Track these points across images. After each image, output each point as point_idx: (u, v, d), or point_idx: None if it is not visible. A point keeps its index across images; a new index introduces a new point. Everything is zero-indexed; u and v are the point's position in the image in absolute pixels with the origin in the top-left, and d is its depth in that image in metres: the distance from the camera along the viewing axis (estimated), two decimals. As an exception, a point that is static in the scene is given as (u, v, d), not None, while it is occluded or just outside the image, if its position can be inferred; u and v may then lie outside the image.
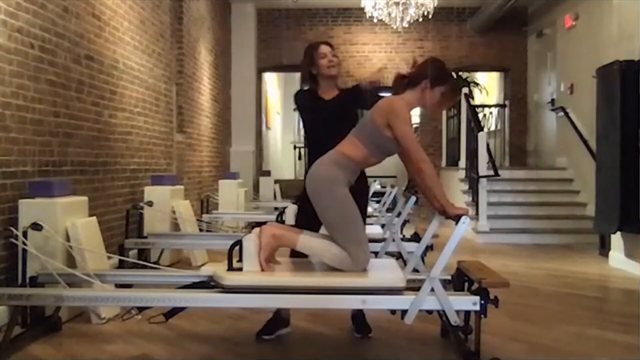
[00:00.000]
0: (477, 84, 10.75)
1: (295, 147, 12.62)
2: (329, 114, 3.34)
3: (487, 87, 11.97)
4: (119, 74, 5.43)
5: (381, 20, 8.93)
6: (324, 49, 3.45)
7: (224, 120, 10.31)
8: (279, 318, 3.47)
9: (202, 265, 3.75)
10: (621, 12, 5.99)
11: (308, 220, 3.17)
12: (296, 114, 13.63)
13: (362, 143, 2.99)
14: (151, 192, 5.75)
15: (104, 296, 3.07)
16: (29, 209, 3.61)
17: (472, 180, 8.23)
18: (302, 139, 11.73)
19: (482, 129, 8.14)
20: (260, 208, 9.19)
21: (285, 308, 3.43)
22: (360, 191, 3.30)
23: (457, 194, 8.92)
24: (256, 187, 10.70)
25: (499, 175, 7.89)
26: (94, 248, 3.87)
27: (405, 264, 3.60)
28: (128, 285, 3.65)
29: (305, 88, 3.54)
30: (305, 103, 3.50)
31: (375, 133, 2.96)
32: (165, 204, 5.72)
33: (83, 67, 4.70)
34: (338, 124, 3.26)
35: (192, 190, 7.86)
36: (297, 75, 13.78)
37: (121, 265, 4.53)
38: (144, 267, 3.80)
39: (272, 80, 13.73)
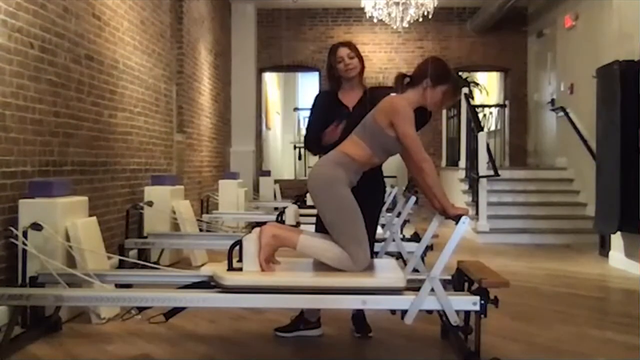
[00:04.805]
0: (477, 84, 10.75)
1: (295, 147, 12.62)
2: (349, 124, 3.21)
3: (487, 87, 11.96)
4: (119, 74, 5.43)
5: (381, 20, 8.93)
6: (341, 52, 3.40)
7: (224, 120, 10.31)
8: (302, 319, 3.47)
9: (202, 265, 3.75)
10: (621, 12, 5.99)
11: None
12: (296, 114, 13.69)
13: (365, 143, 2.98)
14: (151, 192, 5.75)
15: (104, 296, 3.07)
16: (29, 209, 3.61)
17: (472, 180, 8.23)
18: (302, 138, 11.67)
19: (482, 129, 8.14)
20: (260, 208, 9.18)
21: (312, 309, 3.43)
22: (371, 192, 3.29)
23: (457, 194, 8.92)
24: (256, 187, 10.70)
25: (499, 175, 7.88)
26: (94, 248, 3.87)
27: (405, 264, 3.60)
28: (128, 285, 3.65)
29: (326, 89, 3.58)
30: (324, 104, 3.51)
31: (378, 133, 2.96)
32: (165, 204, 5.72)
33: (83, 67, 4.70)
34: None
35: (192, 190, 7.86)
36: (297, 75, 13.76)
37: (121, 265, 4.53)
38: (144, 267, 3.80)
39: (272, 80, 13.73)
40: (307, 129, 3.63)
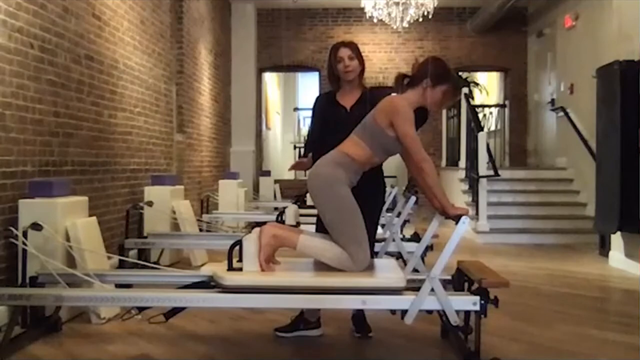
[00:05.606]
0: (477, 84, 10.76)
1: (295, 147, 12.62)
2: (347, 124, 3.20)
3: (487, 87, 11.97)
4: (119, 74, 5.43)
5: (381, 20, 8.93)
6: (342, 52, 3.39)
7: (224, 120, 10.31)
8: (302, 319, 3.47)
9: (202, 265, 3.75)
10: (621, 12, 5.99)
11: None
12: (296, 114, 13.69)
13: (365, 143, 2.99)
14: (151, 192, 5.75)
15: (104, 296, 3.07)
16: (29, 209, 3.61)
17: (472, 180, 8.23)
18: (303, 139, 11.71)
19: (482, 129, 8.14)
20: (260, 208, 9.18)
21: (313, 310, 3.43)
22: (372, 192, 3.29)
23: (457, 194, 8.92)
24: (256, 187, 10.70)
25: (499, 175, 7.88)
26: (94, 248, 3.87)
27: (405, 264, 3.60)
28: (128, 285, 3.65)
29: (325, 91, 3.59)
30: (322, 106, 3.53)
31: (379, 133, 2.96)
32: (165, 204, 5.72)
33: (83, 67, 4.70)
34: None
35: (192, 190, 7.86)
36: (297, 75, 13.75)
37: (121, 265, 4.53)
38: (144, 267, 3.80)
39: (272, 80, 13.73)
40: (308, 135, 3.65)
